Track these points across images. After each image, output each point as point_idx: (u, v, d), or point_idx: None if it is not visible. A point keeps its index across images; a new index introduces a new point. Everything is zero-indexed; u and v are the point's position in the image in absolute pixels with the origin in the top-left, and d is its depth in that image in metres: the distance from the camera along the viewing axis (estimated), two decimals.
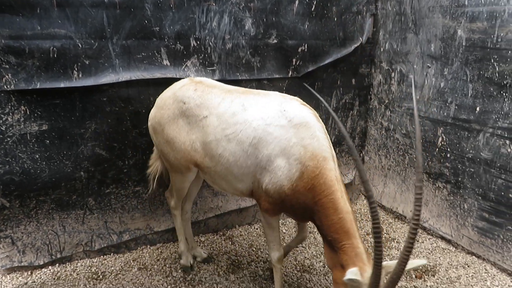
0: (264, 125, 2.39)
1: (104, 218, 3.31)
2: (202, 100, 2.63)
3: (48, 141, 2.97)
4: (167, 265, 3.29)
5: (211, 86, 2.71)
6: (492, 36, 3.08)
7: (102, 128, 3.12)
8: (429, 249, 3.61)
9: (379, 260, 1.82)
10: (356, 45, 4.02)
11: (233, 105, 2.53)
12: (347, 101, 4.23)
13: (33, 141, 2.92)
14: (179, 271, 3.21)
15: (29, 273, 3.11)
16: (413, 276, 3.22)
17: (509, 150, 3.07)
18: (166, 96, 2.82)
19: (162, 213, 3.54)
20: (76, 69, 2.89)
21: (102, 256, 3.37)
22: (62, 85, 2.86)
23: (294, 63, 3.73)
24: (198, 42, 3.26)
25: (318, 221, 2.30)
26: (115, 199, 3.32)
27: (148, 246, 3.54)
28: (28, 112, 2.85)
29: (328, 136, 2.39)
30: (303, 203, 2.32)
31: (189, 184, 2.97)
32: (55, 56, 2.80)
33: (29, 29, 2.69)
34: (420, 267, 3.30)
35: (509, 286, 3.10)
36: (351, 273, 1.94)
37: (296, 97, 2.53)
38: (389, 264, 1.98)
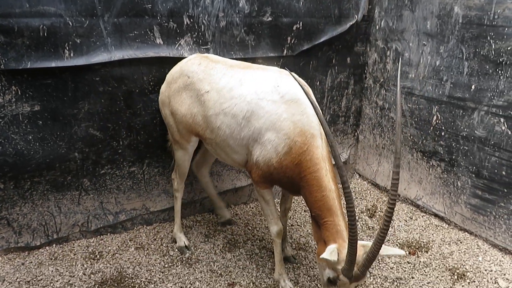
0: (257, 99, 2.49)
1: (100, 198, 3.31)
2: (204, 75, 2.74)
3: (40, 122, 2.93)
4: (164, 244, 3.31)
5: (215, 61, 2.82)
6: (489, 13, 3.05)
7: (95, 109, 3.08)
8: (422, 226, 3.67)
9: (354, 239, 1.93)
10: (351, 23, 3.96)
11: (232, 80, 2.64)
12: (342, 80, 4.20)
13: (25, 122, 2.88)
14: (176, 250, 3.24)
15: (26, 253, 3.12)
16: (407, 252, 3.27)
17: (503, 128, 3.08)
18: (174, 71, 2.97)
19: (157, 193, 3.54)
20: (67, 48, 2.83)
21: (99, 236, 3.38)
22: (53, 64, 2.81)
23: (289, 42, 3.68)
24: (192, 20, 3.20)
25: (303, 196, 2.40)
26: (110, 180, 3.31)
27: (145, 226, 3.56)
28: (19, 93, 2.81)
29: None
30: (290, 177, 2.40)
31: (190, 158, 3.08)
32: (45, 34, 2.74)
33: (17, 7, 2.61)
34: (414, 244, 3.35)
35: (500, 261, 3.16)
36: (327, 252, 2.04)
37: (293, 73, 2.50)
38: (367, 244, 2.10)
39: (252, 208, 3.96)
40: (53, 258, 3.09)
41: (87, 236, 3.35)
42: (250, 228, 3.60)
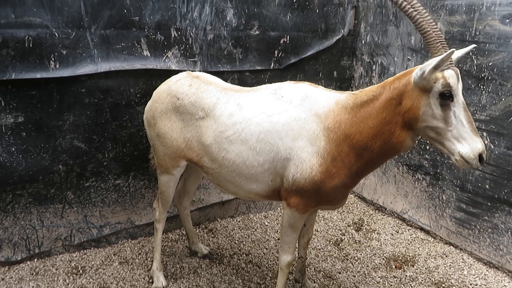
0: (267, 117, 2.30)
1: (84, 212, 3.25)
2: (196, 98, 2.51)
3: (24, 134, 2.89)
4: (149, 259, 3.25)
5: (206, 83, 2.58)
6: (470, 30, 3.12)
7: (80, 120, 3.05)
8: (408, 240, 3.68)
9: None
10: (337, 37, 4.03)
11: (229, 106, 2.43)
12: None
13: (8, 133, 2.83)
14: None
15: (7, 268, 3.03)
16: (393, 266, 3.27)
17: (486, 142, 3.13)
18: (161, 90, 2.70)
19: (143, 206, 3.49)
20: (52, 59, 2.81)
21: (82, 251, 3.31)
22: (38, 75, 2.78)
23: (276, 55, 3.71)
24: (179, 33, 3.21)
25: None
26: (94, 193, 3.26)
27: (129, 240, 3.50)
28: (3, 104, 2.76)
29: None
30: (349, 162, 2.20)
31: (175, 185, 2.85)
32: (31, 45, 2.72)
33: (2, 17, 2.59)
34: (400, 258, 3.36)
35: (485, 274, 3.18)
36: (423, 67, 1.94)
37: (287, 81, 2.50)
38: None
39: (239, 221, 3.93)
40: (35, 273, 3.01)
41: (70, 251, 3.27)
42: (236, 242, 3.57)
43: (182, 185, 3.19)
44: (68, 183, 3.13)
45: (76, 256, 3.23)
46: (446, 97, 1.92)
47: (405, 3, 1.96)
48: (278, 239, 3.61)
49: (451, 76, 1.91)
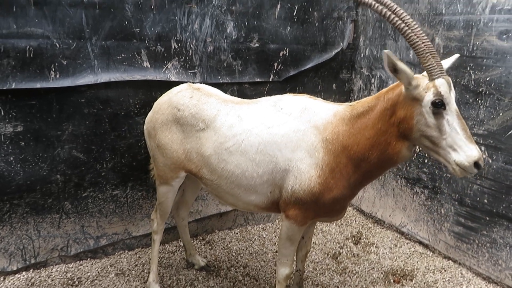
0: (267, 128, 2.32)
1: (81, 222, 3.24)
2: (197, 109, 2.52)
3: (23, 143, 2.89)
4: (145, 271, 3.23)
5: (207, 95, 2.60)
6: (468, 45, 3.15)
7: (79, 130, 3.05)
8: (407, 254, 3.66)
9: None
10: (337, 51, 4.06)
11: (229, 118, 2.44)
12: None
13: (7, 142, 2.83)
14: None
15: (2, 279, 3.01)
16: (391, 280, 3.25)
17: (484, 156, 3.13)
18: (162, 101, 2.71)
19: (140, 217, 3.48)
20: (53, 69, 2.82)
21: (78, 262, 3.28)
22: (38, 85, 2.80)
23: (275, 67, 3.74)
24: (179, 44, 3.23)
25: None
26: (92, 203, 3.25)
27: (126, 251, 3.48)
28: (2, 113, 2.77)
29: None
30: (346, 172, 2.21)
31: (173, 197, 2.85)
32: (31, 55, 2.73)
33: (4, 28, 2.61)
34: (398, 272, 3.34)
35: None
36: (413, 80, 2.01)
37: (286, 94, 2.52)
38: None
39: (237, 233, 3.91)
40: (30, 284, 2.98)
41: (66, 261, 3.25)
42: (234, 254, 3.55)
43: (180, 196, 3.17)
44: (65, 193, 3.12)
45: (72, 267, 3.21)
46: (438, 105, 1.93)
47: (392, 15, 1.97)
48: (276, 251, 3.59)
49: (442, 84, 1.93)
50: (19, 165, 2.91)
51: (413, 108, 1.99)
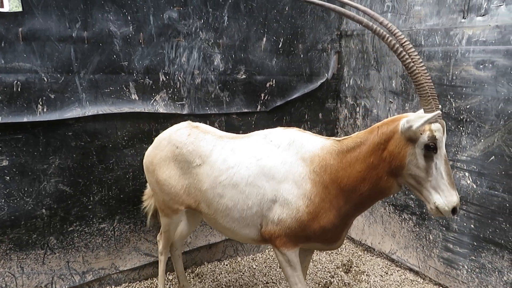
0: (256, 160, 2.37)
1: (66, 257, 3.16)
2: (194, 146, 2.59)
3: (8, 177, 2.84)
4: None
5: (204, 132, 2.67)
6: (447, 74, 3.26)
7: (66, 163, 3.03)
8: (398, 281, 3.64)
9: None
10: (322, 81, 4.16)
11: (223, 151, 2.51)
12: None
13: None
14: None
15: None
16: None
17: (468, 181, 3.19)
18: (162, 137, 2.78)
19: (128, 250, 3.41)
20: (40, 103, 2.82)
21: None
22: (25, 119, 2.78)
23: (262, 98, 3.80)
24: (167, 77, 3.28)
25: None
26: (78, 238, 3.18)
27: (113, 287, 3.38)
28: None
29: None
30: (337, 206, 2.25)
31: (175, 228, 2.95)
32: (19, 90, 2.74)
33: None
34: None
35: None
36: (408, 120, 2.00)
37: (278, 127, 2.58)
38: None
39: (226, 265, 3.85)
40: None
41: None
42: (223, 287, 3.48)
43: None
44: (51, 228, 3.06)
45: None
46: (430, 149, 1.98)
47: (403, 52, 2.03)
48: (267, 283, 3.54)
49: (437, 129, 1.98)
50: (3, 200, 2.85)
51: (407, 148, 2.04)
